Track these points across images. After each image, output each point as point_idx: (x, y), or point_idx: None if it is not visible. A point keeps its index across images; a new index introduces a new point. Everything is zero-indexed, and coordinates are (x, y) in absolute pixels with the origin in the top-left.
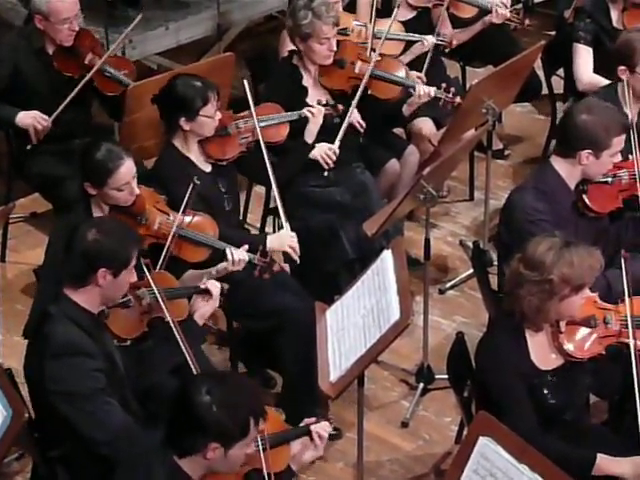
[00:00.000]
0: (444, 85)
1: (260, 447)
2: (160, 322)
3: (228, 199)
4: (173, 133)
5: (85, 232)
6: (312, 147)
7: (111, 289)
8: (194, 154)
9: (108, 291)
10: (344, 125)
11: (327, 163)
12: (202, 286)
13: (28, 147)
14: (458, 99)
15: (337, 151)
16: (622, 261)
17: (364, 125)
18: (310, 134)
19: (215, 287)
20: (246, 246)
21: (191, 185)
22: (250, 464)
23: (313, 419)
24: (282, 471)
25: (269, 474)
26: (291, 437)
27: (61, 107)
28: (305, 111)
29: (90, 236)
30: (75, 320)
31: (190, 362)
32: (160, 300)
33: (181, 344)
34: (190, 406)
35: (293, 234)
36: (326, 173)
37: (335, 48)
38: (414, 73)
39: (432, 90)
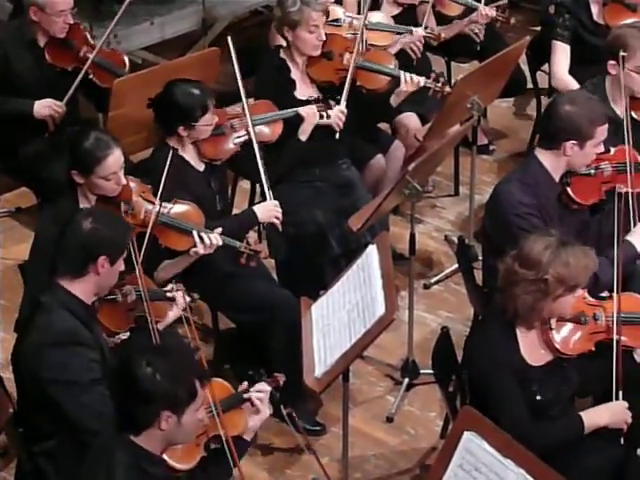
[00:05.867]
0: (433, 74)
1: (214, 413)
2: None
3: (219, 198)
4: (169, 135)
5: (80, 222)
6: (304, 145)
7: (107, 278)
8: (189, 154)
9: (104, 280)
10: (347, 85)
11: (338, 125)
12: (169, 294)
13: (45, 135)
14: (447, 88)
15: (345, 110)
16: (615, 251)
17: (341, 126)
18: (304, 132)
19: (180, 298)
20: (219, 229)
21: (165, 171)
22: (208, 433)
23: (245, 384)
24: (240, 434)
25: (226, 437)
26: (238, 400)
27: (70, 92)
28: (301, 111)
29: (87, 225)
30: (71, 309)
31: None
32: (144, 299)
33: (154, 340)
34: (134, 381)
35: (276, 202)
36: (337, 135)
37: (324, 37)
38: None
39: (421, 80)
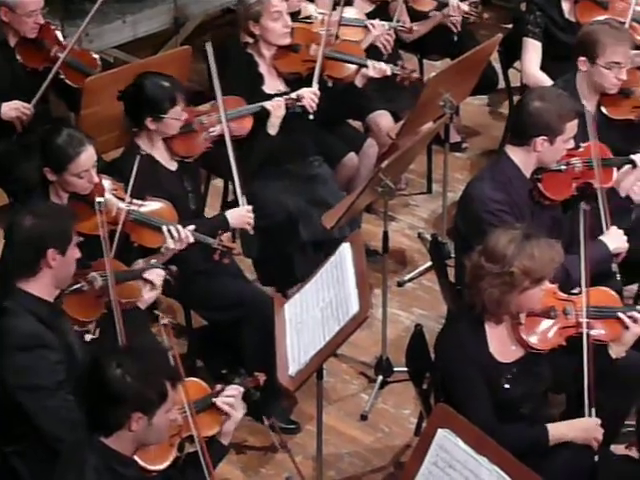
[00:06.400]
0: (400, 62)
1: (188, 413)
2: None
3: (192, 198)
4: (138, 131)
5: (21, 221)
6: (275, 139)
7: (62, 268)
8: (159, 152)
9: (59, 272)
10: (317, 69)
11: (311, 106)
12: (145, 276)
13: (14, 136)
14: (415, 74)
15: (317, 92)
16: (581, 214)
17: (314, 107)
18: (273, 126)
19: (156, 275)
20: (192, 226)
21: (134, 168)
22: (181, 433)
23: (219, 386)
24: (214, 435)
25: (199, 437)
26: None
27: (40, 92)
28: (267, 104)
29: (27, 223)
30: (34, 312)
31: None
32: (109, 283)
33: (117, 325)
34: (104, 383)
35: (249, 208)
36: (312, 116)
37: (289, 23)
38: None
39: (388, 68)
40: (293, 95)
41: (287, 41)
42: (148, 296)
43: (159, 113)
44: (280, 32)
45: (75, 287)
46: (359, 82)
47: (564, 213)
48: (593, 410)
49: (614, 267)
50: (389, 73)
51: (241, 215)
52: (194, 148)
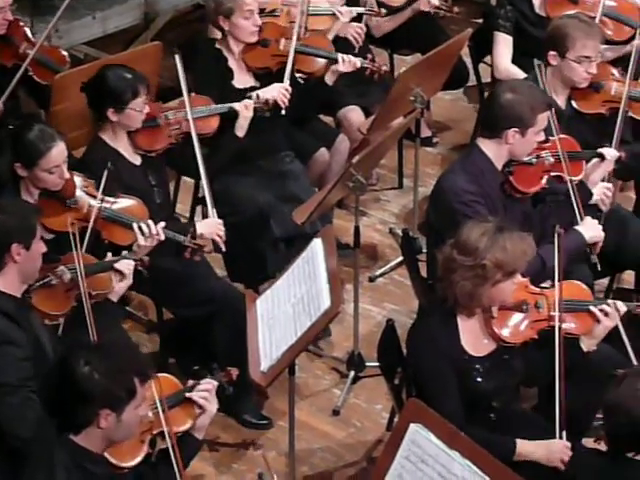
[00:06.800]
0: (369, 55)
1: (159, 409)
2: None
3: (158, 192)
4: (101, 124)
5: None
6: (242, 140)
7: (27, 263)
8: (123, 146)
9: (25, 266)
10: (288, 64)
11: (283, 101)
12: (115, 266)
13: None
14: (385, 67)
15: (289, 88)
16: (556, 237)
17: (286, 103)
18: (241, 128)
19: (126, 266)
20: (163, 223)
21: (105, 170)
22: (152, 429)
23: (191, 382)
24: (187, 431)
25: (170, 433)
26: (185, 396)
27: (9, 90)
28: (235, 105)
29: None
30: (0, 308)
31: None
32: (78, 276)
33: (87, 319)
34: (72, 380)
35: (220, 221)
36: (284, 112)
37: (259, 22)
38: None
39: (358, 61)
40: (262, 98)
41: (255, 39)
42: (119, 287)
43: (120, 104)
44: (249, 30)
45: (44, 281)
46: (329, 80)
47: (534, 207)
48: (564, 433)
49: (594, 258)
50: (359, 66)
51: (210, 226)
52: (157, 143)
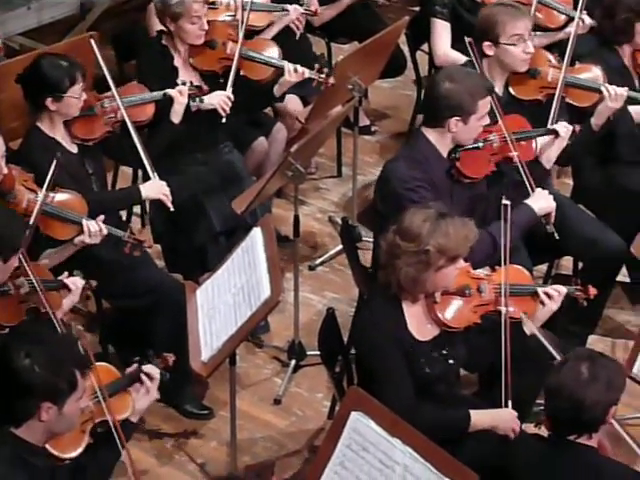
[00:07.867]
0: (317, 66)
1: (100, 398)
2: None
3: (95, 180)
4: (38, 114)
5: None
6: (178, 127)
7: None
8: (60, 134)
9: None
10: (232, 71)
11: (224, 109)
12: (65, 281)
13: None
14: (332, 80)
15: (231, 96)
16: (502, 210)
17: (227, 111)
18: (176, 114)
19: (74, 284)
20: (102, 217)
21: (54, 161)
22: (94, 419)
23: (134, 366)
24: (127, 417)
25: (114, 421)
26: (125, 382)
27: None
28: (169, 91)
29: None
30: None
31: None
32: (39, 290)
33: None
34: (12, 373)
35: (164, 183)
36: (224, 120)
37: (206, 27)
38: None
39: (306, 71)
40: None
41: (201, 41)
42: (66, 305)
43: (59, 92)
44: (196, 34)
45: (1, 289)
46: (278, 92)
47: (489, 189)
48: (509, 402)
49: (550, 228)
50: (307, 76)
51: (155, 187)
52: (94, 131)
